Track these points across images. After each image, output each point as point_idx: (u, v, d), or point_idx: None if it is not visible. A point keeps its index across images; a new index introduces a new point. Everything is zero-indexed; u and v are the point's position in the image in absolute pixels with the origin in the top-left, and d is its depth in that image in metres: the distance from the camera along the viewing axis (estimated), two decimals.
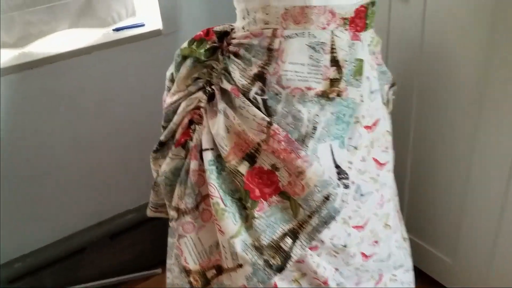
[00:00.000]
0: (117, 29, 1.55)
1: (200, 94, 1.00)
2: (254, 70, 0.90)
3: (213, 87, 0.97)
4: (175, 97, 1.04)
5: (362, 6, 0.89)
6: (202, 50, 0.96)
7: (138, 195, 1.72)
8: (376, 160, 1.00)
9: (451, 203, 1.40)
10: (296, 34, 0.87)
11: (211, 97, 0.97)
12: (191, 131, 1.01)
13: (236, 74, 0.92)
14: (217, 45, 0.98)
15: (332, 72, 0.88)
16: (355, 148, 0.95)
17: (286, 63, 0.87)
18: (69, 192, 1.59)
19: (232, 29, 0.99)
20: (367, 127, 0.97)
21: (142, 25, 1.58)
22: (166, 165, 1.05)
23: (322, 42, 0.87)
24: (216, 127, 0.93)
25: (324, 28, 0.87)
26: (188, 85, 1.01)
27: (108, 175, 1.65)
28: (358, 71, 0.91)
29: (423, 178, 1.47)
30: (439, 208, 1.45)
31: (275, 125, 0.88)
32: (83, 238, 1.64)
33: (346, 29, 0.89)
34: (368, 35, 0.93)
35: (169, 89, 1.08)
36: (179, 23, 1.60)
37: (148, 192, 1.18)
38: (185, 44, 0.99)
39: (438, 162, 1.39)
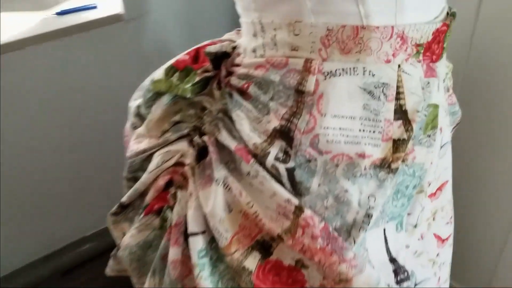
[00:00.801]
0: (61, 13, 1.17)
1: (183, 145, 0.66)
2: (274, 122, 0.57)
3: (205, 138, 0.64)
4: (143, 145, 0.70)
5: (444, 24, 0.57)
6: (188, 86, 0.62)
7: (96, 218, 1.39)
8: (437, 237, 0.71)
9: (493, 238, 1.14)
10: (343, 70, 0.54)
11: (202, 153, 0.64)
12: (169, 196, 0.68)
13: (244, 125, 0.59)
14: (211, 75, 0.64)
15: (397, 130, 0.57)
16: (415, 226, 0.65)
17: (328, 116, 0.55)
18: (6, 219, 1.23)
19: (234, 48, 0.65)
20: (431, 195, 0.66)
21: (94, 7, 1.19)
22: (131, 237, 0.73)
23: (384, 83, 0.55)
24: (211, 204, 0.61)
25: (388, 61, 0.54)
26: (164, 130, 0.67)
27: (57, 193, 1.31)
28: (432, 123, 0.59)
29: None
30: (476, 242, 1.19)
31: (307, 212, 0.56)
32: (27, 277, 1.30)
33: (418, 61, 0.56)
34: (443, 65, 0.61)
35: (134, 127, 0.74)
36: (146, 4, 1.22)
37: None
38: (159, 73, 0.64)
39: (476, 185, 1.12)
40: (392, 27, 0.53)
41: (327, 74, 0.54)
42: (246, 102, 0.60)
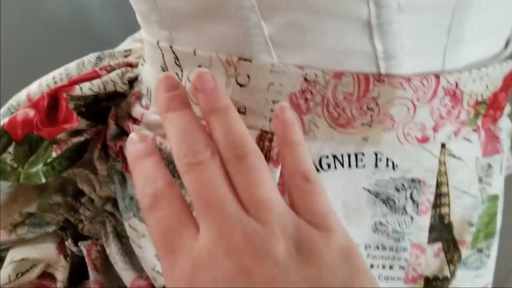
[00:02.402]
0: None
1: (48, 250, 0.38)
2: None
3: (82, 247, 0.36)
4: None
5: None
6: (38, 168, 0.33)
7: None
8: None
9: None
10: (337, 158, 0.27)
11: (78, 265, 0.37)
12: None
13: (145, 249, 0.31)
14: (88, 137, 0.35)
15: (432, 260, 0.30)
16: None
17: None
18: None
19: (131, 83, 0.36)
20: None
21: None
22: None
23: (414, 181, 0.28)
24: None
25: (424, 140, 0.27)
26: (16, 224, 0.39)
27: None
28: (487, 229, 0.34)
29: None
30: None
31: None
32: None
33: (474, 129, 0.29)
34: (506, 119, 0.34)
35: None
36: None
37: None
38: None
39: None
40: (437, 77, 0.25)
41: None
42: None
